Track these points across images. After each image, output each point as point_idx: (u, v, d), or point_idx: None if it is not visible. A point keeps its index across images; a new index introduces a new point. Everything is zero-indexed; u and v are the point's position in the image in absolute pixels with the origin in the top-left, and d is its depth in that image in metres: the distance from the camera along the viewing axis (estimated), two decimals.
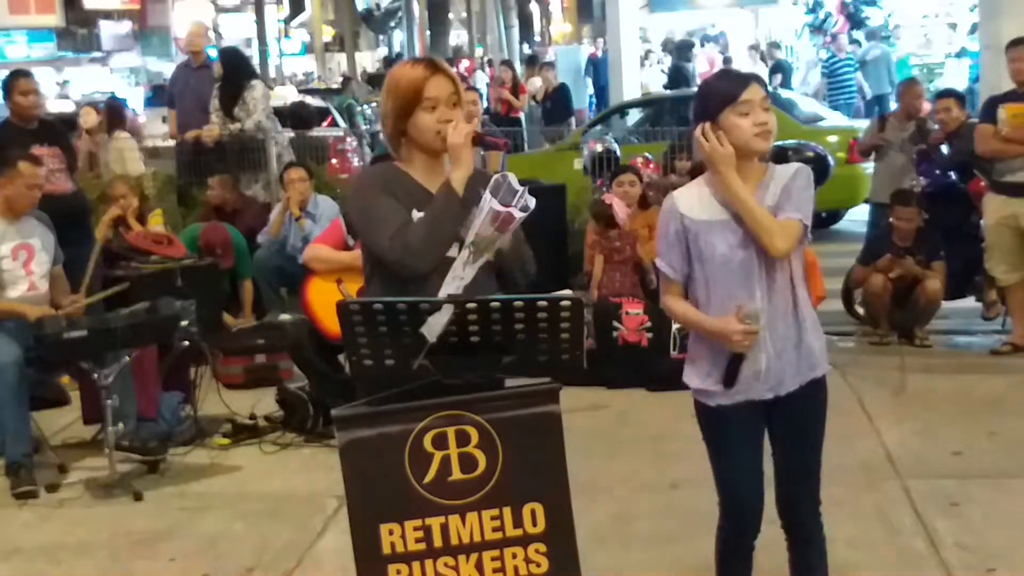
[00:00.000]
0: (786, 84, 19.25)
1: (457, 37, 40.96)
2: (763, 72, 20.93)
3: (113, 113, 11.84)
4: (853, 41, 20.38)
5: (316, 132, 13.87)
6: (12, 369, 5.74)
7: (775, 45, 23.60)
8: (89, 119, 11.30)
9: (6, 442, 5.82)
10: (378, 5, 38.14)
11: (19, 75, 7.92)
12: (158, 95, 20.62)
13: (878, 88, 18.43)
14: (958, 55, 20.16)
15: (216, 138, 9.92)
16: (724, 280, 3.45)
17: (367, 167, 3.36)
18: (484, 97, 20.30)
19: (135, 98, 24.88)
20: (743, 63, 22.11)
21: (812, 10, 23.72)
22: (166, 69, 29.42)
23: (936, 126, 8.54)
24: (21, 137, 7.53)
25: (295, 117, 13.98)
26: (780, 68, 20.27)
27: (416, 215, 3.29)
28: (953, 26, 22.45)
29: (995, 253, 7.65)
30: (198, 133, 10.04)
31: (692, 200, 3.50)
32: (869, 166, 9.79)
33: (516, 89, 16.64)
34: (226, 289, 8.54)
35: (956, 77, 19.13)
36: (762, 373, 3.46)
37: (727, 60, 21.83)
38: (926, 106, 9.30)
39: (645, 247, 8.07)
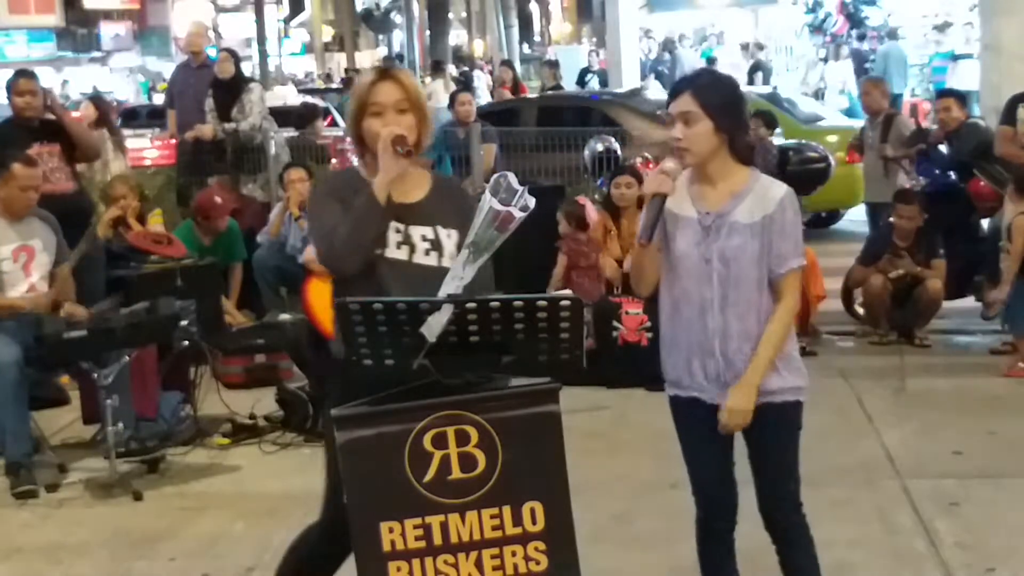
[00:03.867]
0: (766, 82, 19.38)
1: (457, 37, 40.99)
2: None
3: (102, 112, 11.76)
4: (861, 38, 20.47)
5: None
6: (12, 369, 5.74)
7: (759, 46, 23.76)
8: (88, 113, 11.28)
9: (6, 442, 5.83)
10: (378, 5, 38.17)
11: (21, 75, 7.94)
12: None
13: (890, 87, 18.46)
14: (948, 55, 20.02)
15: (209, 135, 9.94)
16: (682, 274, 3.50)
17: (331, 172, 3.52)
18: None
19: (136, 98, 24.88)
20: (740, 62, 22.21)
21: (812, 10, 23.74)
22: (166, 69, 29.44)
23: (933, 126, 8.58)
24: (22, 136, 7.53)
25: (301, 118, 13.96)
26: (759, 67, 20.37)
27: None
28: (941, 27, 22.29)
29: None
30: (196, 133, 10.06)
31: (678, 188, 3.50)
32: None
33: (516, 89, 16.65)
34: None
35: (956, 78, 19.11)
36: (709, 375, 3.50)
37: (711, 61, 21.77)
38: (926, 106, 9.33)
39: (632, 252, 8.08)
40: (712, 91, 3.45)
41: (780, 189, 3.47)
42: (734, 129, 3.45)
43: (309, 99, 18.67)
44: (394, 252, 3.40)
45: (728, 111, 3.44)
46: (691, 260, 3.48)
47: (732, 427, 3.52)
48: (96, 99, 12.38)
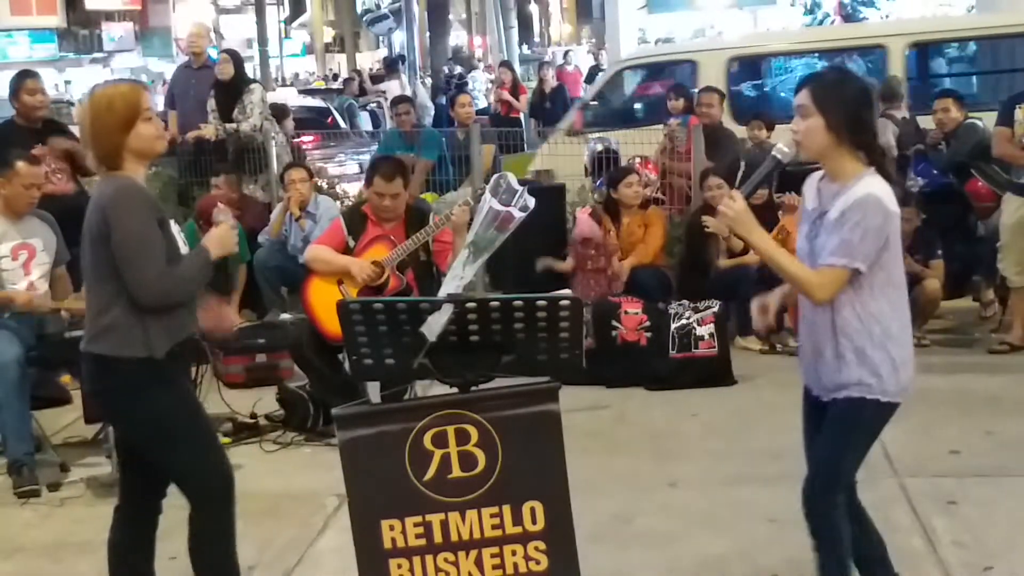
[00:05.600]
0: None
1: (457, 38, 40.98)
2: None
3: None
4: None
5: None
6: (14, 367, 5.76)
7: None
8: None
9: (7, 441, 5.84)
10: (378, 5, 38.14)
11: (26, 75, 7.98)
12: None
13: None
14: None
15: (211, 134, 9.96)
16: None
17: (126, 184, 3.51)
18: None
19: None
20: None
21: (810, 11, 23.76)
22: (167, 70, 29.44)
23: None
24: (24, 136, 7.56)
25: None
26: None
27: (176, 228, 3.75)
28: None
29: (1009, 254, 7.64)
30: (197, 134, 10.07)
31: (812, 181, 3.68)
32: None
33: (516, 90, 16.64)
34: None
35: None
36: (802, 365, 3.71)
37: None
38: None
39: (638, 248, 8.11)
40: (829, 89, 3.51)
41: (864, 189, 3.46)
42: (847, 128, 3.48)
43: (308, 99, 18.68)
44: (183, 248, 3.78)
45: (842, 110, 3.48)
46: (803, 253, 3.57)
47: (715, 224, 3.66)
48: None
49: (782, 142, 3.63)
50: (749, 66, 11.08)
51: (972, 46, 11.48)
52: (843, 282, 3.46)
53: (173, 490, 5.72)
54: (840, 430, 3.64)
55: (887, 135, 9.08)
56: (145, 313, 3.63)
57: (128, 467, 3.97)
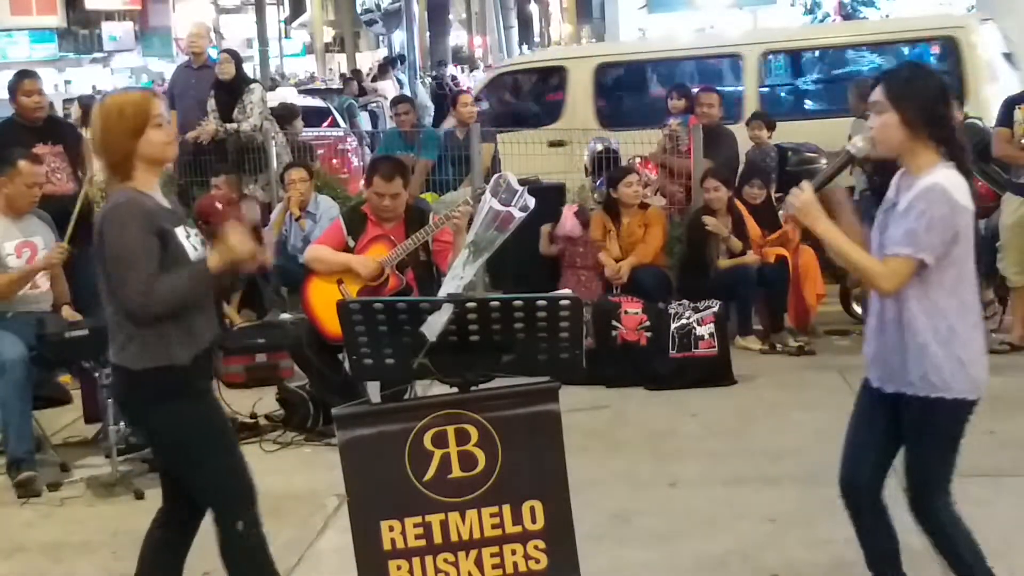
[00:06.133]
0: None
1: (457, 38, 40.98)
2: None
3: (86, 111, 11.79)
4: None
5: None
6: (19, 366, 5.77)
7: None
8: (76, 114, 11.30)
9: (8, 439, 5.85)
10: (378, 5, 38.13)
11: (25, 75, 7.98)
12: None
13: None
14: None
15: (211, 133, 9.96)
16: None
17: (120, 200, 3.46)
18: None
19: None
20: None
21: (810, 11, 23.77)
22: (167, 70, 29.43)
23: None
24: (25, 135, 7.57)
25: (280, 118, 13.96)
26: None
27: (181, 233, 3.64)
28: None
29: (1009, 254, 7.65)
30: (198, 132, 10.08)
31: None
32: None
33: None
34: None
35: None
36: (868, 356, 3.68)
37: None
38: None
39: (638, 248, 8.12)
40: (904, 85, 3.51)
41: (931, 180, 3.45)
42: (924, 124, 3.47)
43: (308, 99, 18.67)
44: (193, 254, 3.67)
45: (917, 105, 3.47)
46: (873, 244, 3.56)
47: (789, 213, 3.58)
48: (83, 100, 12.43)
49: (857, 136, 3.62)
50: (615, 73, 11.50)
51: (820, 54, 12.14)
52: (909, 273, 3.43)
53: None
54: (918, 435, 3.65)
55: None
56: (164, 323, 3.57)
57: (164, 472, 3.93)
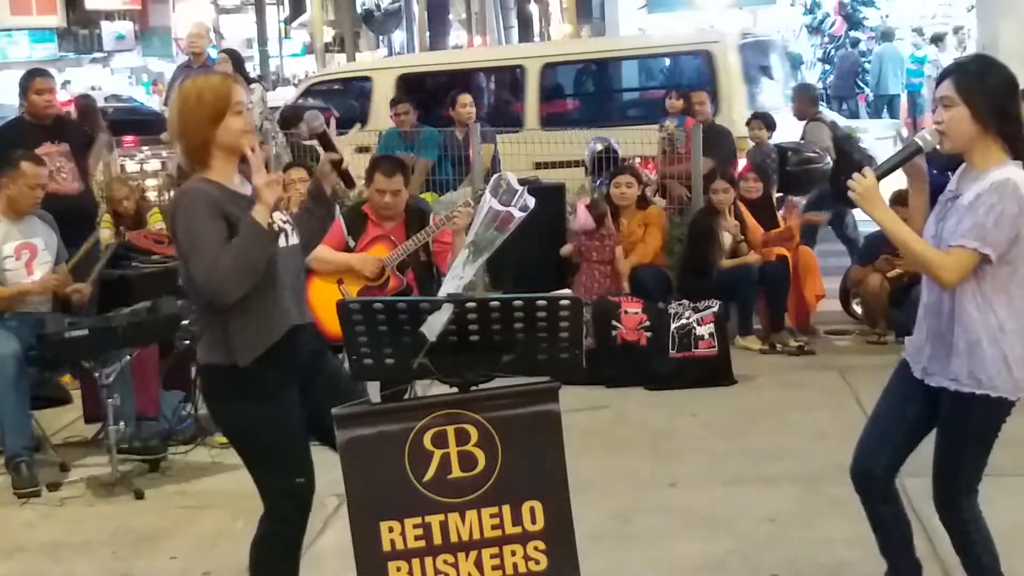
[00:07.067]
0: None
1: (457, 38, 40.96)
2: None
3: (82, 112, 11.74)
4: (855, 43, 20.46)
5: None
6: (11, 362, 5.77)
7: None
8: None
9: (5, 436, 5.85)
10: (378, 5, 38.10)
11: (36, 74, 7.99)
12: None
13: (885, 88, 18.58)
14: (922, 60, 19.93)
15: None
16: None
17: (184, 191, 3.40)
18: None
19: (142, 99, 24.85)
20: None
21: (810, 11, 23.73)
22: (167, 70, 29.44)
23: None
24: (33, 134, 7.59)
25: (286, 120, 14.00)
26: None
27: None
28: (918, 30, 22.20)
29: None
30: None
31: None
32: None
33: None
34: None
35: None
36: (912, 347, 3.66)
37: None
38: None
39: (638, 248, 8.12)
40: (974, 79, 3.46)
41: (1003, 175, 3.42)
42: (994, 119, 3.44)
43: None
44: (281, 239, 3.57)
45: (988, 100, 3.44)
46: (929, 233, 3.53)
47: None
48: (79, 102, 12.39)
49: (926, 129, 3.59)
50: (416, 83, 12.26)
51: (595, 67, 12.82)
52: (971, 266, 3.41)
53: (173, 490, 5.75)
54: (955, 431, 3.64)
55: (823, 137, 9.31)
56: (228, 318, 3.48)
57: None
